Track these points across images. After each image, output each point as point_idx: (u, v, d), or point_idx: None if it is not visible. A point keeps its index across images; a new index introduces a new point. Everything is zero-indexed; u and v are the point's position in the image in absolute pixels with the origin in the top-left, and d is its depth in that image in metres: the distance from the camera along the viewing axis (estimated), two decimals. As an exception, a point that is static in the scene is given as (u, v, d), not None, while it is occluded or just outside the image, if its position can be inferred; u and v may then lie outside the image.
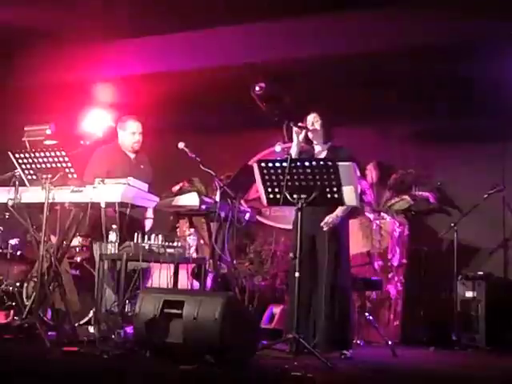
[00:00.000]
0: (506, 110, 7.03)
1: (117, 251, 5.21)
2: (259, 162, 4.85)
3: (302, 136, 5.34)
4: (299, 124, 5.35)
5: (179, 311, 4.43)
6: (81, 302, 5.85)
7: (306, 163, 4.72)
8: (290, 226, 5.55)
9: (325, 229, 5.21)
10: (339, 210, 5.21)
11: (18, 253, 6.65)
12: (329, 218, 5.21)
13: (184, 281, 5.81)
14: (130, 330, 4.91)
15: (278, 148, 6.78)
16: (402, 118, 7.78)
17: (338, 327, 5.18)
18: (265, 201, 4.94)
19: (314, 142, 5.46)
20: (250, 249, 7.90)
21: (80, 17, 7.09)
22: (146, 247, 5.23)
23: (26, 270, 6.50)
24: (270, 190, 4.84)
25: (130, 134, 5.97)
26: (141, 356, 4.50)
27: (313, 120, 5.41)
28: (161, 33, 7.41)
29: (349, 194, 4.73)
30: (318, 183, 4.71)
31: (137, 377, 3.96)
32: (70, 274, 5.89)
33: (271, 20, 6.97)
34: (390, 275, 7.11)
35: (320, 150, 5.46)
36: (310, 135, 5.40)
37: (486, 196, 6.73)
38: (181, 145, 5.74)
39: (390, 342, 5.93)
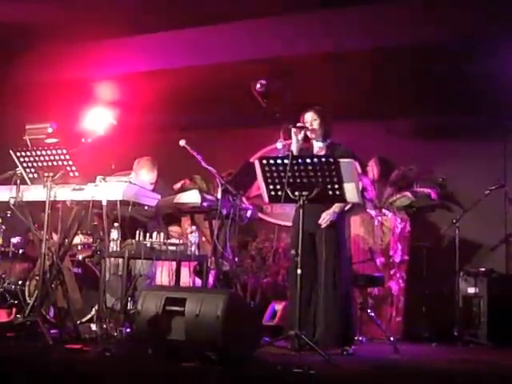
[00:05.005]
0: (507, 107, 7.03)
1: (119, 249, 5.23)
2: (260, 159, 4.84)
3: (301, 136, 5.35)
4: (298, 124, 5.35)
5: (181, 309, 4.43)
6: (83, 300, 5.85)
7: (308, 160, 4.72)
8: (291, 223, 5.55)
9: (323, 226, 5.23)
10: (336, 206, 5.23)
11: (20, 251, 6.66)
12: (326, 215, 5.23)
13: (186, 278, 5.82)
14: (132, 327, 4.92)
15: (279, 145, 6.76)
16: (404, 114, 7.78)
17: (339, 324, 5.18)
18: (266, 198, 4.94)
19: (313, 140, 5.47)
20: (252, 246, 7.90)
21: (81, 14, 7.08)
22: (148, 245, 5.24)
23: (28, 268, 6.51)
24: (271, 187, 4.84)
25: (143, 180, 6.05)
26: (143, 353, 4.51)
27: (311, 119, 5.41)
28: (162, 30, 7.39)
29: (350, 191, 4.72)
30: (320, 180, 4.70)
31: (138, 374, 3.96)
32: (72, 272, 5.90)
33: (272, 17, 6.96)
34: (391, 271, 7.12)
35: (320, 148, 5.47)
36: (309, 134, 5.41)
37: (487, 192, 6.73)
38: (182, 142, 5.74)
39: (391, 338, 5.94)
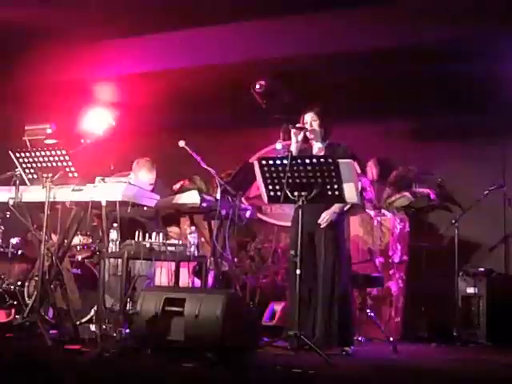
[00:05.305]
0: (507, 107, 7.03)
1: (118, 249, 5.23)
2: (260, 159, 4.84)
3: (300, 136, 5.35)
4: (297, 125, 5.36)
5: (181, 309, 4.44)
6: (82, 301, 5.85)
7: (307, 160, 4.72)
8: (290, 224, 5.55)
9: (322, 226, 5.23)
10: (335, 207, 5.25)
11: (19, 252, 6.65)
12: (325, 215, 5.24)
13: (185, 279, 5.83)
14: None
15: (278, 145, 6.78)
16: (403, 115, 7.78)
17: (338, 324, 5.18)
18: (265, 198, 4.94)
19: (313, 141, 5.47)
20: (251, 246, 7.91)
21: (79, 16, 7.08)
22: (147, 245, 5.24)
23: (27, 268, 6.50)
24: (270, 187, 4.85)
25: (142, 180, 6.04)
26: (142, 354, 4.51)
27: (311, 119, 5.42)
28: (160, 31, 7.40)
29: (349, 191, 4.73)
30: (319, 180, 4.71)
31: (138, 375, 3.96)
32: (71, 273, 5.89)
33: (271, 18, 6.97)
34: (390, 272, 7.12)
35: (319, 148, 5.47)
36: (309, 134, 5.41)
37: (486, 192, 6.73)
38: (181, 143, 5.74)
39: (391, 339, 5.94)
